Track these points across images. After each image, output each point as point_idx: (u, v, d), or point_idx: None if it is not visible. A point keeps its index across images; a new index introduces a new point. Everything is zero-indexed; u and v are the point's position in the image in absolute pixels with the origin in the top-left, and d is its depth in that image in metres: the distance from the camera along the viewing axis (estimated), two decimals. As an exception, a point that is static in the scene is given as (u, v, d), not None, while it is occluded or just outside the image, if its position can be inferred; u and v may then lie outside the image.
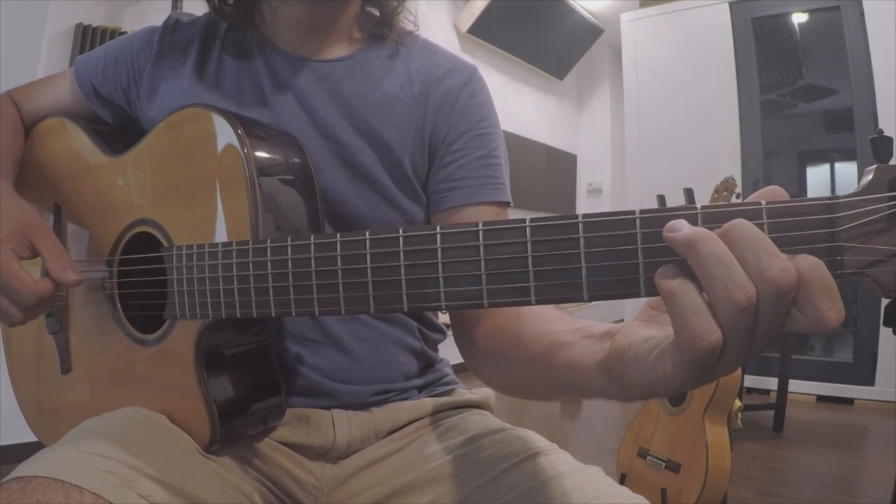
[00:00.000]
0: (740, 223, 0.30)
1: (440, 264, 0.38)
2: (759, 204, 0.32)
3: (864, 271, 0.31)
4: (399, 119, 0.67)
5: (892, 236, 0.30)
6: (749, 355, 0.32)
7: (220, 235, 0.53)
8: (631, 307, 3.56)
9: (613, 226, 0.34)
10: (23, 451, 0.65)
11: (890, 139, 0.32)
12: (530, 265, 0.35)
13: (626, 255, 0.34)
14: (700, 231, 0.31)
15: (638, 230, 0.33)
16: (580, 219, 0.34)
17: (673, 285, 0.30)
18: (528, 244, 0.36)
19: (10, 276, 0.56)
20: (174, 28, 0.70)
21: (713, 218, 0.32)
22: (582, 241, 0.34)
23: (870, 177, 0.31)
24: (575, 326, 0.47)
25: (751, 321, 0.30)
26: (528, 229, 0.36)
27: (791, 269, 0.29)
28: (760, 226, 0.31)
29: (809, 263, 0.29)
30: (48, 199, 0.70)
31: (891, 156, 0.32)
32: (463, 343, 0.63)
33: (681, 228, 0.31)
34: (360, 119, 0.65)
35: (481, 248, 0.37)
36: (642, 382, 0.34)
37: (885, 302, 0.32)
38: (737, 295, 0.29)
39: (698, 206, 0.32)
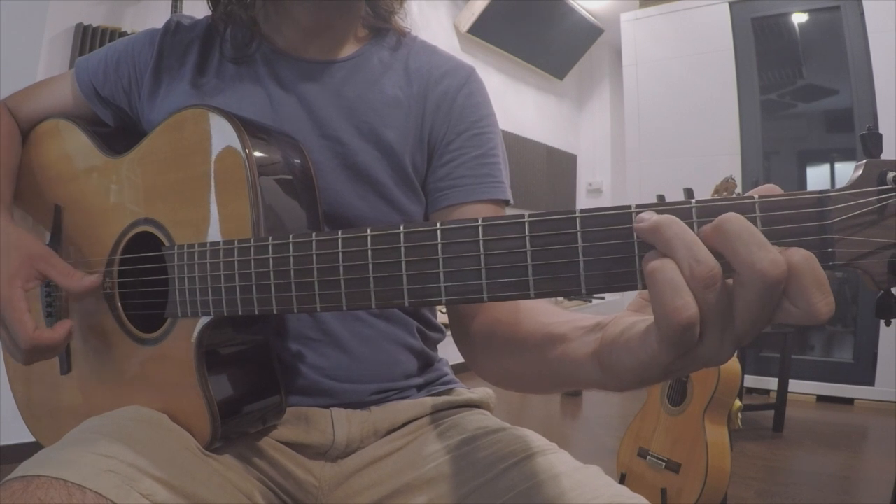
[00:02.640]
0: (731, 216, 0.31)
1: (440, 260, 0.39)
2: (752, 198, 0.32)
3: (855, 263, 0.32)
4: (399, 119, 0.67)
5: (882, 228, 0.31)
6: (736, 341, 0.33)
7: (222, 234, 0.53)
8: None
9: (610, 220, 0.34)
10: (23, 451, 0.65)
11: (879, 135, 0.33)
12: (529, 260, 0.36)
13: (622, 248, 0.34)
14: (663, 216, 0.32)
15: (634, 224, 0.34)
16: (577, 214, 0.35)
17: (651, 265, 0.32)
18: (527, 239, 0.36)
19: (12, 316, 0.57)
20: (175, 30, 0.71)
21: (707, 212, 0.33)
22: (579, 236, 0.35)
23: (860, 171, 0.32)
24: (566, 318, 0.48)
25: (723, 299, 0.31)
26: (526, 224, 0.36)
27: (781, 261, 0.30)
28: (753, 219, 0.32)
29: (801, 256, 0.30)
30: (48, 200, 0.70)
31: (880, 151, 0.33)
32: (460, 339, 0.64)
33: (646, 218, 0.33)
34: (361, 120, 0.66)
35: (481, 243, 0.37)
36: (633, 365, 0.35)
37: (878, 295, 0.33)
38: (701, 271, 0.31)
39: (693, 200, 0.33)
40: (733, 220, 0.31)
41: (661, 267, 0.31)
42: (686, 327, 0.31)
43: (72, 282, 0.60)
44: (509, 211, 0.64)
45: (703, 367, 0.34)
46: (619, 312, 0.41)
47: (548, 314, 0.51)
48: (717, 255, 0.31)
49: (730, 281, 0.32)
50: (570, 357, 0.43)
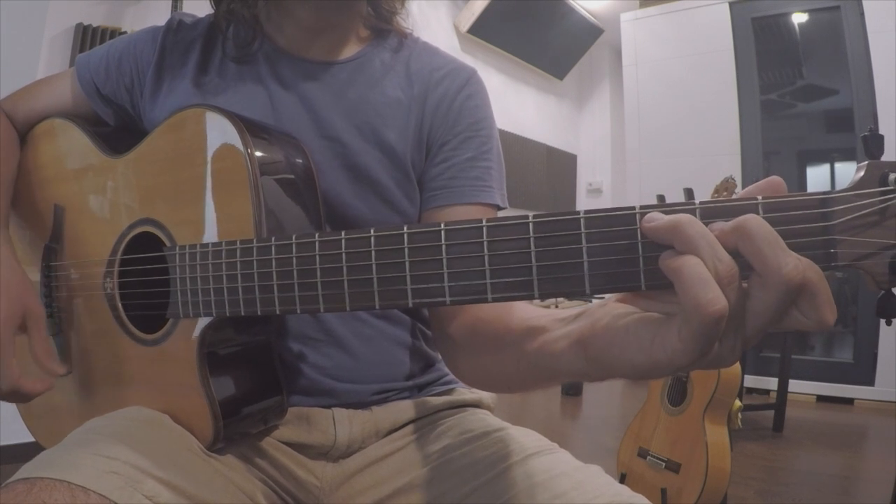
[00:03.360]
0: (754, 218, 0.31)
1: (444, 260, 0.39)
2: (756, 199, 0.32)
3: (857, 264, 0.32)
4: (400, 120, 0.67)
5: (884, 229, 0.32)
6: (743, 343, 0.33)
7: (223, 234, 0.53)
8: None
9: (614, 221, 0.34)
10: (23, 451, 0.65)
11: (881, 137, 0.33)
12: (533, 260, 0.36)
13: (627, 249, 0.34)
14: (680, 215, 0.32)
15: (638, 225, 0.34)
16: (582, 214, 0.35)
17: (678, 261, 0.32)
18: (531, 240, 0.36)
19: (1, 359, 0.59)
20: (177, 29, 0.70)
21: (711, 213, 0.33)
22: (584, 237, 0.35)
23: (862, 173, 0.32)
24: (547, 312, 0.48)
25: (740, 298, 0.32)
26: (530, 225, 0.36)
27: (801, 267, 0.30)
28: None
29: (817, 273, 0.31)
30: (48, 201, 0.70)
31: (882, 152, 0.33)
32: (440, 339, 0.63)
33: (659, 217, 0.33)
34: (362, 120, 0.66)
35: (485, 243, 0.37)
36: (643, 363, 0.35)
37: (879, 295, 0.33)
38: (724, 269, 0.31)
39: (696, 201, 0.33)
40: (758, 222, 0.31)
41: (687, 262, 0.31)
42: (718, 320, 0.31)
43: (45, 358, 0.62)
44: (509, 212, 0.64)
45: (708, 368, 0.34)
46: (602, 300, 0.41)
47: (527, 310, 0.51)
48: (734, 255, 0.31)
49: (744, 284, 0.32)
50: (550, 348, 0.43)
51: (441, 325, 0.62)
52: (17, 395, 0.60)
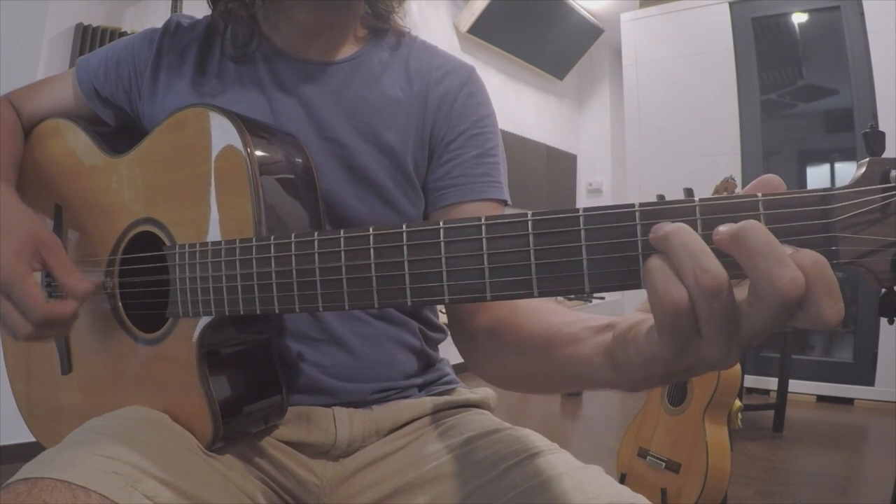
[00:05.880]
0: (754, 226, 0.30)
1: (443, 258, 0.39)
2: (756, 196, 0.32)
3: (858, 261, 0.32)
4: (400, 120, 0.67)
5: (886, 227, 0.31)
6: (744, 345, 0.33)
7: (223, 234, 0.53)
8: (631, 307, 3.56)
9: (613, 219, 0.34)
10: (23, 451, 0.65)
11: (882, 133, 0.33)
12: (532, 258, 0.36)
13: (625, 247, 0.34)
14: (674, 225, 0.32)
15: (637, 223, 0.34)
16: (581, 212, 0.35)
17: (650, 263, 0.33)
18: (531, 237, 0.36)
19: (23, 290, 0.55)
20: (174, 31, 0.71)
21: (711, 210, 0.33)
22: (583, 234, 0.35)
23: (863, 170, 0.32)
24: (575, 318, 0.48)
25: (730, 307, 0.31)
26: (529, 223, 0.36)
27: (801, 280, 0.29)
28: (757, 217, 0.32)
29: (813, 261, 0.30)
30: (48, 200, 0.70)
31: (883, 149, 0.33)
32: (460, 338, 0.63)
33: (659, 229, 0.33)
34: (362, 121, 0.66)
35: (484, 241, 0.37)
36: (639, 360, 0.35)
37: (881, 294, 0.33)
38: (705, 280, 0.30)
39: (696, 199, 0.33)
40: (756, 231, 0.30)
41: (656, 263, 0.32)
42: (675, 313, 0.31)
43: (69, 279, 0.58)
44: (509, 211, 0.64)
45: (709, 369, 0.34)
46: (621, 312, 0.41)
47: (555, 313, 0.51)
48: (726, 255, 0.31)
49: (742, 290, 0.31)
50: (581, 357, 0.43)
51: (460, 324, 0.62)
52: (50, 325, 0.56)
